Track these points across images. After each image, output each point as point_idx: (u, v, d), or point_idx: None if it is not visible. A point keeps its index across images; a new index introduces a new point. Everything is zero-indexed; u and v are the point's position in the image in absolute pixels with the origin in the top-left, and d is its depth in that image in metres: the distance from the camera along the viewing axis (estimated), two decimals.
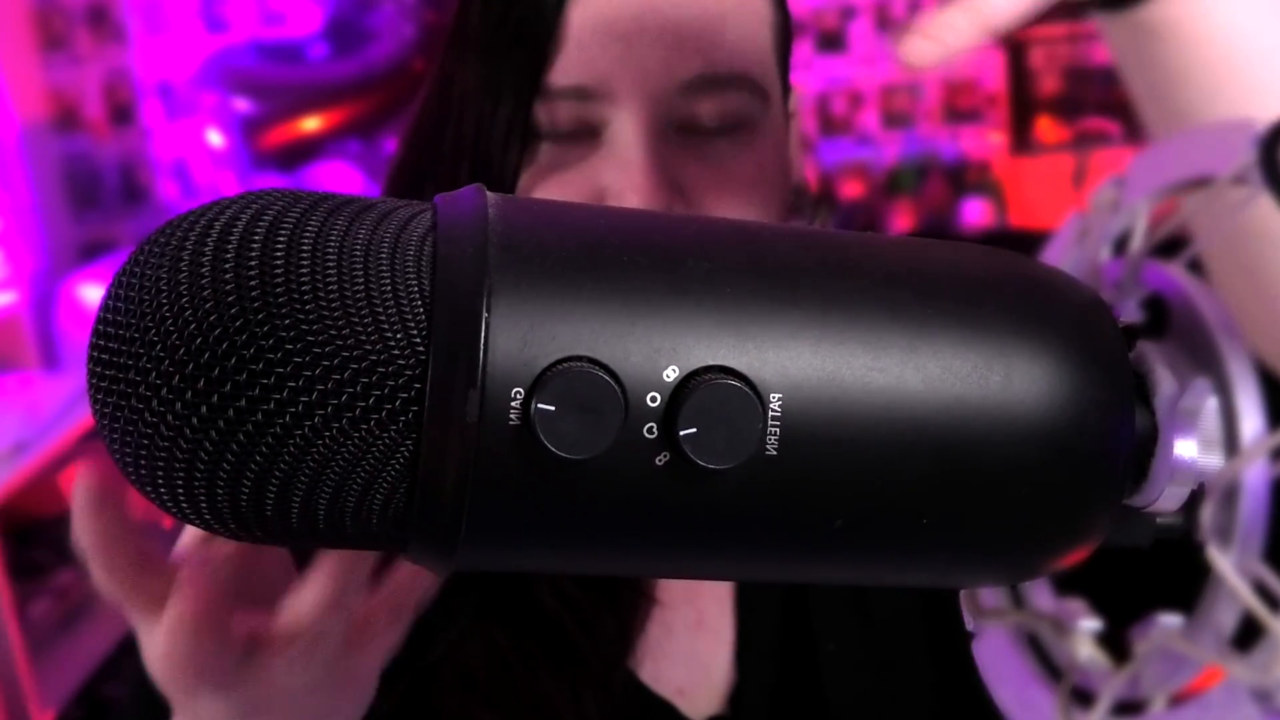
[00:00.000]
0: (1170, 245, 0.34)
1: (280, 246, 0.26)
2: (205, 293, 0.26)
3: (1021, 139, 2.48)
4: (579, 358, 0.26)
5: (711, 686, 0.66)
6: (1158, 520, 0.31)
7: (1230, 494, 0.29)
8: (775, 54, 0.60)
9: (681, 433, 0.26)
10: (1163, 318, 0.33)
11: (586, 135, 0.56)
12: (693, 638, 0.66)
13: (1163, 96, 0.43)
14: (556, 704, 0.61)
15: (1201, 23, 0.40)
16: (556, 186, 0.56)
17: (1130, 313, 0.34)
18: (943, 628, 0.65)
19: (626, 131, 0.55)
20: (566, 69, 0.55)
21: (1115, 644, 0.33)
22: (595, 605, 0.62)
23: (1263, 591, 0.29)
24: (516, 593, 0.62)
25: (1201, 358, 0.31)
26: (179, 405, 0.25)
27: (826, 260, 0.29)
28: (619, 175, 0.55)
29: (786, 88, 0.63)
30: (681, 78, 0.55)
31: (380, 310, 0.26)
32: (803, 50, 2.42)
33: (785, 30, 0.62)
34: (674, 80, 0.55)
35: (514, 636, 0.62)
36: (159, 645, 0.40)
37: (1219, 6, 0.41)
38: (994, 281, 0.29)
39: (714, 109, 0.56)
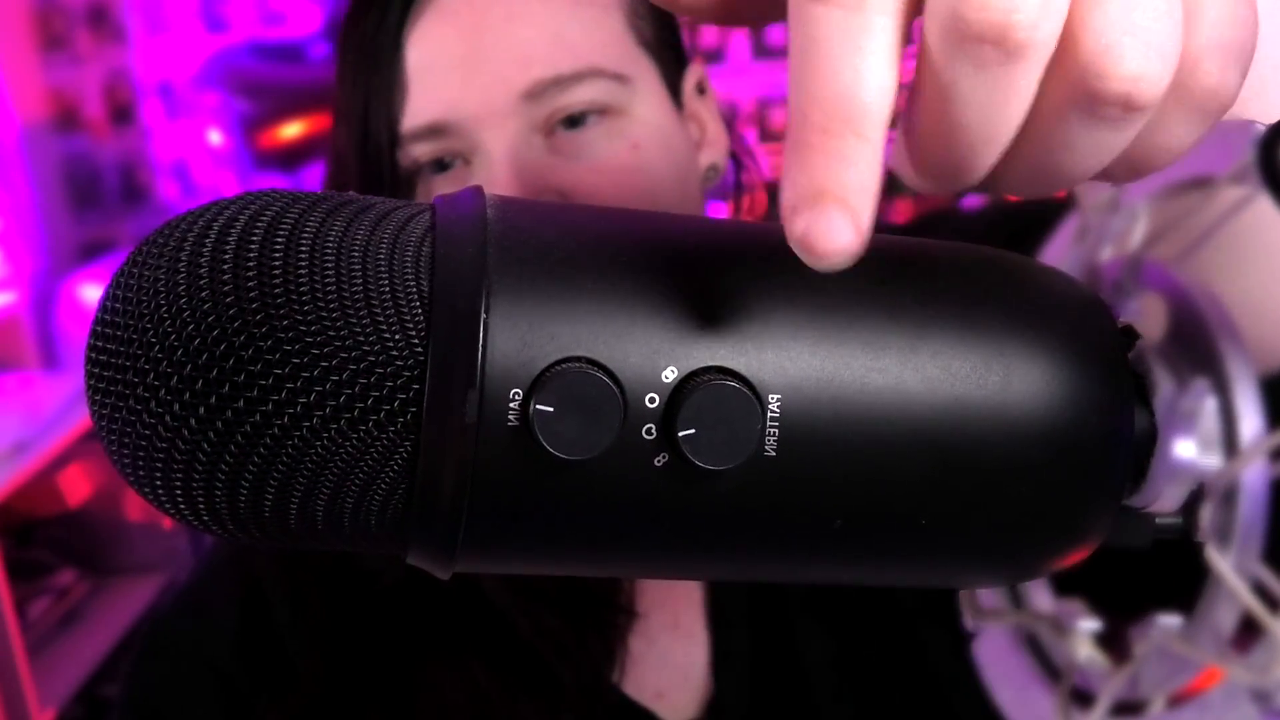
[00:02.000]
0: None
1: (278, 247, 0.26)
2: (203, 293, 0.26)
3: None
4: (578, 358, 0.26)
5: (690, 689, 0.66)
6: (1157, 520, 0.31)
7: (1230, 494, 0.29)
8: (633, 33, 0.60)
9: (680, 433, 0.26)
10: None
11: (461, 164, 0.58)
12: (669, 642, 0.66)
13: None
14: None
15: None
16: None
17: (1130, 313, 0.34)
18: (936, 628, 0.65)
19: (487, 154, 0.57)
20: (415, 110, 0.57)
21: (1115, 644, 0.33)
22: (575, 630, 0.63)
23: (1262, 591, 0.29)
24: (492, 624, 0.63)
25: (1201, 358, 0.31)
26: (177, 406, 0.25)
27: None
28: None
29: (676, 62, 0.63)
30: (523, 88, 0.57)
31: (378, 311, 0.26)
32: None
33: (651, 6, 0.62)
34: (516, 93, 0.57)
35: (491, 668, 0.62)
36: None
37: None
38: (993, 282, 0.29)
39: (566, 104, 0.57)
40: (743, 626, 0.66)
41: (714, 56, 2.30)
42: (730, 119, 0.72)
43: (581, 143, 0.58)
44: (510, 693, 0.62)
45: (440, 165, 0.58)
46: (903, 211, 2.52)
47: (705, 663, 0.66)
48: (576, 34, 0.58)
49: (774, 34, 2.25)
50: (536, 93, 0.57)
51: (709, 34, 2.27)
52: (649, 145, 0.59)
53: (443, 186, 0.58)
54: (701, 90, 0.66)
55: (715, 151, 0.66)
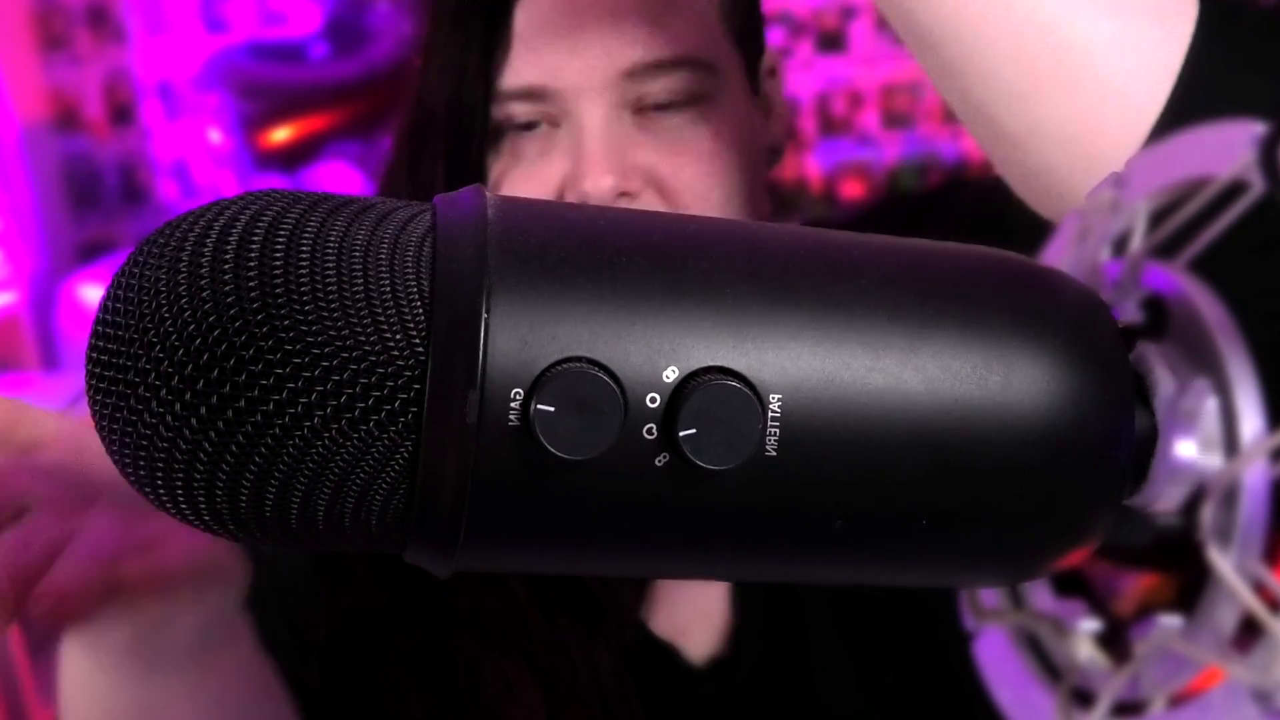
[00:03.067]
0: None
1: (279, 247, 0.26)
2: (204, 294, 0.26)
3: None
4: (578, 358, 0.26)
5: (710, 629, 0.69)
6: (1158, 520, 0.31)
7: (1230, 494, 0.29)
8: (726, 25, 0.64)
9: (681, 433, 0.26)
10: (1163, 318, 0.33)
11: (547, 127, 0.61)
12: (697, 585, 0.69)
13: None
14: (570, 652, 0.64)
15: None
16: (522, 180, 0.61)
17: (1130, 313, 0.34)
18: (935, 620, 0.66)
19: (578, 123, 0.60)
20: (516, 70, 0.60)
21: (1115, 644, 0.33)
22: None
23: (1262, 591, 0.29)
24: None
25: (1201, 358, 0.31)
26: (178, 406, 0.25)
27: (826, 260, 0.29)
28: (576, 164, 0.60)
29: (753, 51, 0.67)
30: (623, 67, 0.60)
31: (379, 311, 0.26)
32: (803, 50, 2.42)
33: None
34: (617, 70, 0.60)
35: (531, 586, 0.65)
36: None
37: None
38: (993, 282, 0.29)
39: (662, 90, 0.61)
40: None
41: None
42: (792, 113, 0.76)
43: (667, 126, 0.61)
44: (547, 612, 0.64)
45: (529, 125, 0.61)
46: None
47: (724, 604, 0.69)
48: (679, 21, 0.61)
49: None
50: (635, 73, 0.60)
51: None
52: (728, 134, 0.62)
53: (530, 146, 0.62)
54: (772, 73, 0.70)
55: (778, 133, 0.70)
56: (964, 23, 0.44)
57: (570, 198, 0.60)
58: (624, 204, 0.60)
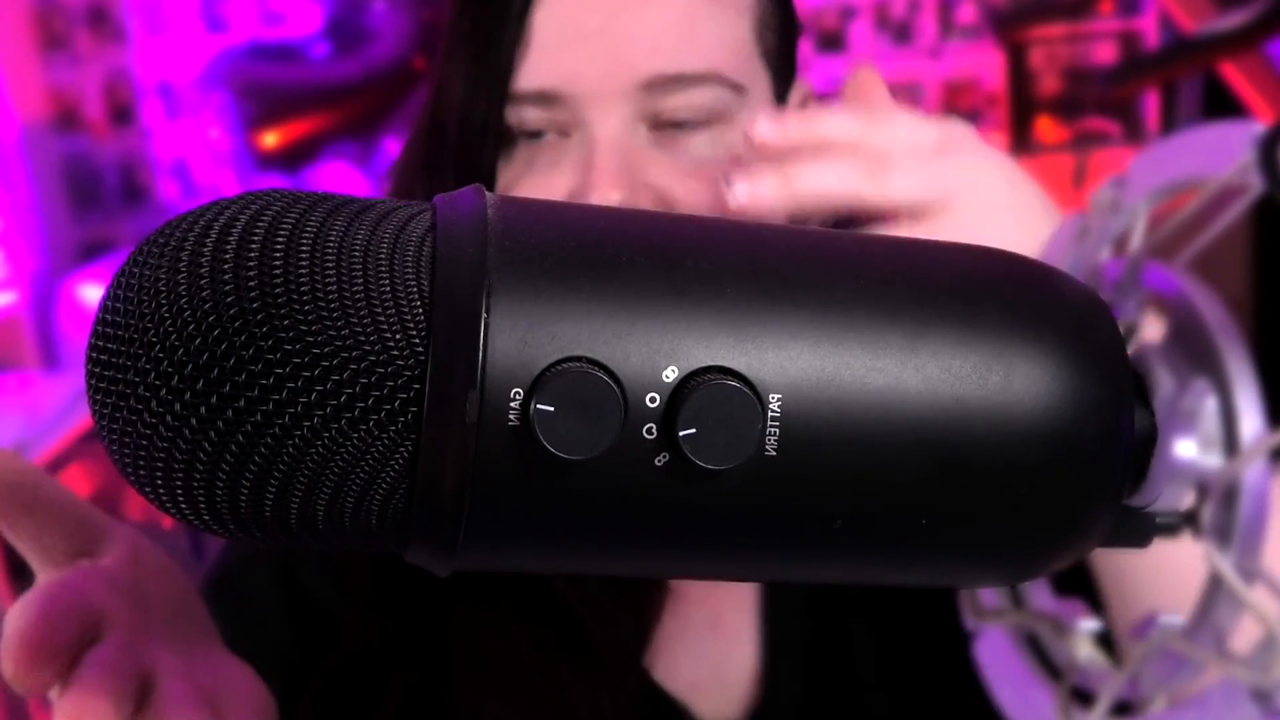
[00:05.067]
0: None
1: (279, 247, 0.26)
2: (204, 293, 0.26)
3: (1021, 139, 2.48)
4: (578, 358, 0.26)
5: (725, 686, 0.65)
6: (1158, 520, 0.31)
7: (1230, 494, 0.29)
8: (758, 43, 0.60)
9: (681, 433, 0.26)
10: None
11: (558, 134, 0.57)
12: (709, 635, 0.66)
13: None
14: (571, 698, 0.61)
15: None
16: (530, 187, 0.58)
17: (1130, 313, 0.34)
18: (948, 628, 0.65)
19: (591, 133, 0.56)
20: (531, 73, 0.56)
21: (1115, 644, 0.33)
22: (614, 599, 0.62)
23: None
24: (533, 587, 0.62)
25: (1201, 358, 0.31)
26: (178, 406, 0.25)
27: (826, 260, 0.29)
28: (586, 175, 0.56)
29: (784, 73, 0.63)
30: (643, 78, 0.56)
31: (379, 311, 0.26)
32: (803, 50, 2.42)
33: (779, 17, 0.62)
34: (635, 81, 0.56)
35: (530, 629, 0.62)
36: None
37: None
38: (993, 281, 0.29)
39: (682, 105, 0.57)
40: (798, 626, 0.65)
41: None
42: None
43: (684, 144, 0.57)
44: (547, 654, 0.61)
45: (537, 133, 0.58)
46: None
47: (747, 664, 0.65)
48: (707, 34, 0.57)
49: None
50: (656, 85, 0.56)
51: None
52: (748, 159, 0.59)
53: (541, 155, 0.58)
54: (805, 105, 0.65)
55: None
56: None
57: None
58: None
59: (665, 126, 0.57)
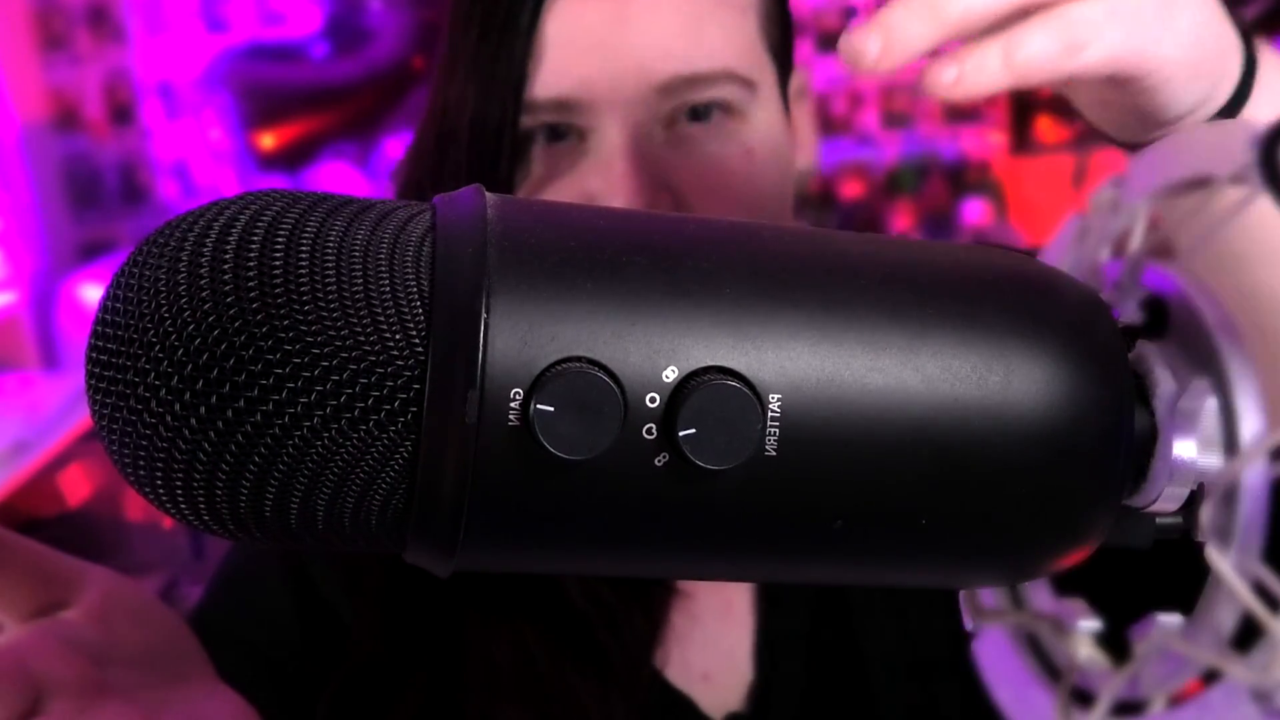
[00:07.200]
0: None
1: (279, 247, 0.26)
2: (204, 293, 0.26)
3: (1021, 139, 2.48)
4: (578, 358, 0.26)
5: (736, 674, 0.66)
6: (1158, 520, 0.31)
7: (1230, 494, 0.29)
8: (764, 38, 0.60)
9: (681, 433, 0.26)
10: (1163, 318, 0.33)
11: (574, 141, 0.58)
12: (719, 625, 0.66)
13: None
14: (582, 701, 0.61)
15: None
16: (548, 193, 0.58)
17: (1130, 313, 0.34)
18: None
19: (608, 137, 0.57)
20: (546, 81, 0.57)
21: (1115, 644, 0.33)
22: (624, 603, 0.62)
23: (1263, 591, 0.29)
24: (544, 590, 0.63)
25: (1201, 358, 0.31)
26: (178, 406, 0.25)
27: (826, 260, 0.29)
28: (604, 179, 0.57)
29: (786, 67, 0.63)
30: (658, 82, 0.56)
31: (379, 311, 0.26)
32: (803, 50, 2.41)
33: (779, 11, 0.62)
34: (650, 85, 0.56)
35: (541, 634, 0.62)
36: None
37: None
38: (993, 281, 0.29)
39: (696, 104, 0.57)
40: (802, 611, 0.66)
41: None
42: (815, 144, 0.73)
43: (700, 139, 0.58)
44: (558, 660, 0.62)
45: (555, 135, 0.58)
46: (903, 212, 2.52)
47: (750, 647, 0.66)
48: (717, 34, 0.58)
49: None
50: (671, 88, 0.57)
51: None
52: (761, 151, 0.60)
53: (558, 161, 0.58)
54: (801, 94, 0.66)
55: (807, 155, 0.67)
56: None
57: None
58: None
59: (680, 127, 0.58)
